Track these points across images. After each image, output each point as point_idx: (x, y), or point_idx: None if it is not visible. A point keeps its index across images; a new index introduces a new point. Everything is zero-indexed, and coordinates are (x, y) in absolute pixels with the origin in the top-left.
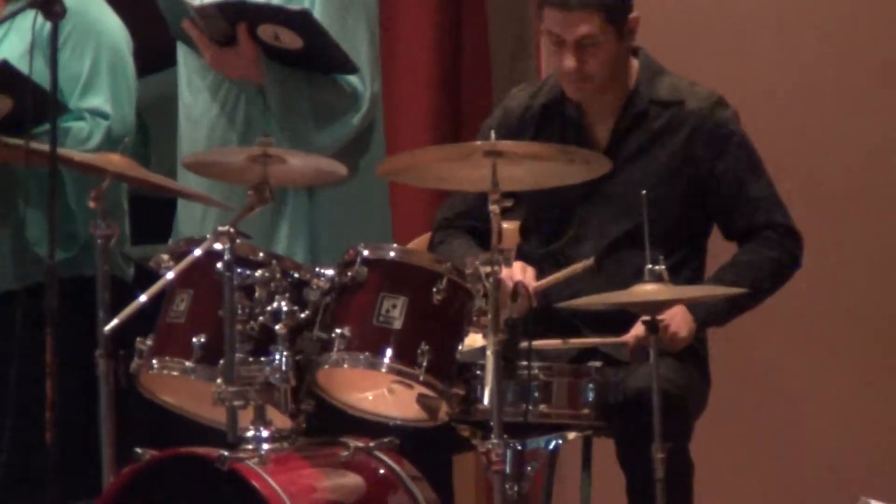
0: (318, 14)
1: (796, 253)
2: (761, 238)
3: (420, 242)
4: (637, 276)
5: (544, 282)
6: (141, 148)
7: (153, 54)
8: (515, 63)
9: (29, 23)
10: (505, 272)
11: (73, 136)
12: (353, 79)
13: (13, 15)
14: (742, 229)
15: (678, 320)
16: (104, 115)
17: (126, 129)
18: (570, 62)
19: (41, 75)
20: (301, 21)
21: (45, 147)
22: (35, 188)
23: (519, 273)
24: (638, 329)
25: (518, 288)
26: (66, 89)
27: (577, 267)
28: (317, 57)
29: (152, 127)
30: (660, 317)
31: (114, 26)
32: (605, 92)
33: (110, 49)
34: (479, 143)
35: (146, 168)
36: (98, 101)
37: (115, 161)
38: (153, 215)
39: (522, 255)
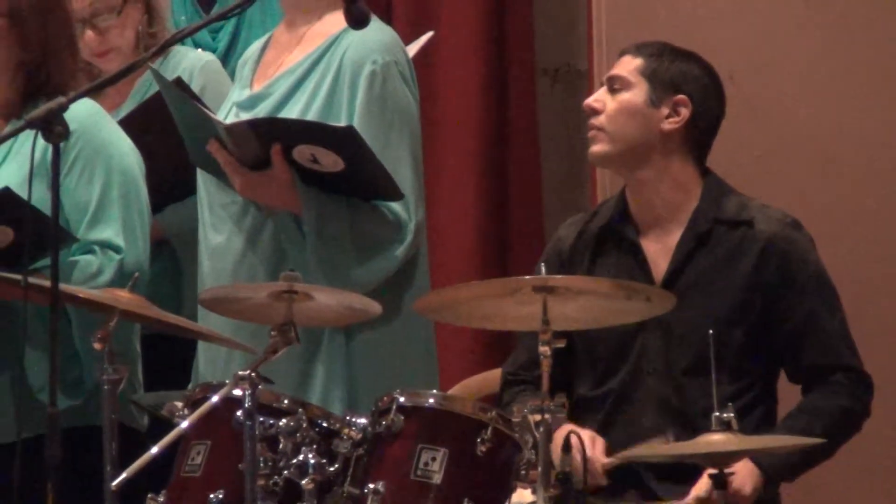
0: (360, 130)
1: (867, 401)
2: (831, 383)
3: (463, 387)
4: (705, 416)
5: (617, 458)
6: (169, 284)
7: (187, 181)
8: (567, 191)
9: (30, 146)
10: (573, 439)
11: (80, 270)
12: (396, 206)
13: (11, 135)
14: (810, 369)
15: (743, 475)
16: (116, 249)
17: (140, 263)
18: (589, 98)
19: (43, 203)
20: (345, 140)
21: (46, 283)
22: (38, 329)
23: (588, 441)
24: (701, 486)
25: (570, 440)
26: (72, 219)
27: (654, 445)
28: (359, 181)
29: (184, 260)
30: (729, 470)
31: (125, 148)
32: (624, 166)
33: (122, 174)
34: (527, 277)
35: (178, 308)
36: (109, 232)
37: (124, 298)
38: (170, 358)
39: (575, 400)
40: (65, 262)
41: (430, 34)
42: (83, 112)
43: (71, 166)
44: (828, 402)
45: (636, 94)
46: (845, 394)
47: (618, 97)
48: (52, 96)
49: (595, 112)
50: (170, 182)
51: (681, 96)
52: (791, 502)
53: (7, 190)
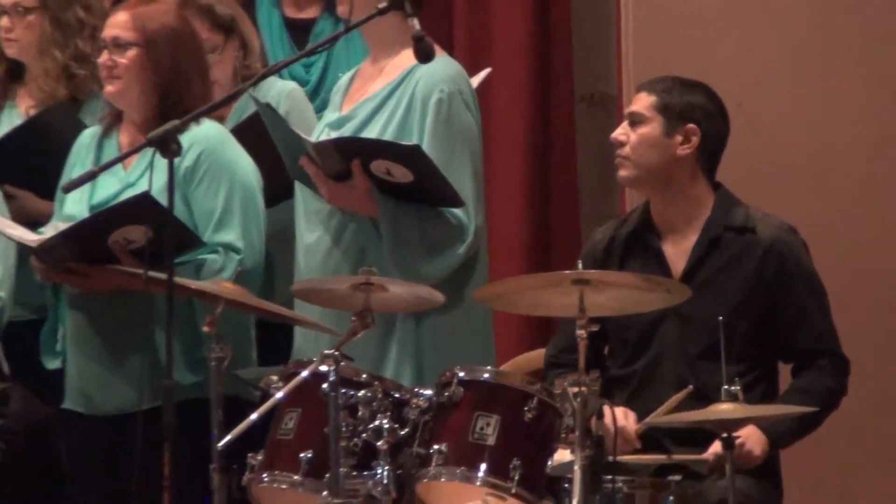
0: (426, 149)
1: (845, 382)
2: (818, 366)
3: (514, 364)
4: (716, 391)
5: (647, 420)
6: (265, 276)
7: (276, 188)
8: (601, 200)
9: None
10: (606, 410)
11: (206, 267)
12: (458, 212)
13: (135, 152)
14: (801, 353)
15: (753, 439)
16: (236, 250)
17: (255, 262)
18: (615, 132)
19: (178, 210)
20: (412, 156)
21: (163, 275)
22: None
23: (620, 415)
24: (717, 446)
25: (603, 408)
26: (200, 224)
27: (678, 397)
28: (426, 190)
29: (275, 257)
30: (735, 434)
31: (246, 166)
32: (647, 186)
33: (242, 187)
34: (567, 272)
35: (271, 296)
36: (231, 236)
37: (228, 289)
38: (279, 340)
39: (606, 377)
40: (194, 260)
41: (488, 70)
42: (211, 134)
43: (200, 180)
44: (816, 382)
45: (653, 128)
46: (829, 375)
47: (637, 130)
48: (183, 116)
49: (620, 143)
50: (264, 190)
51: (690, 125)
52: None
53: (147, 194)
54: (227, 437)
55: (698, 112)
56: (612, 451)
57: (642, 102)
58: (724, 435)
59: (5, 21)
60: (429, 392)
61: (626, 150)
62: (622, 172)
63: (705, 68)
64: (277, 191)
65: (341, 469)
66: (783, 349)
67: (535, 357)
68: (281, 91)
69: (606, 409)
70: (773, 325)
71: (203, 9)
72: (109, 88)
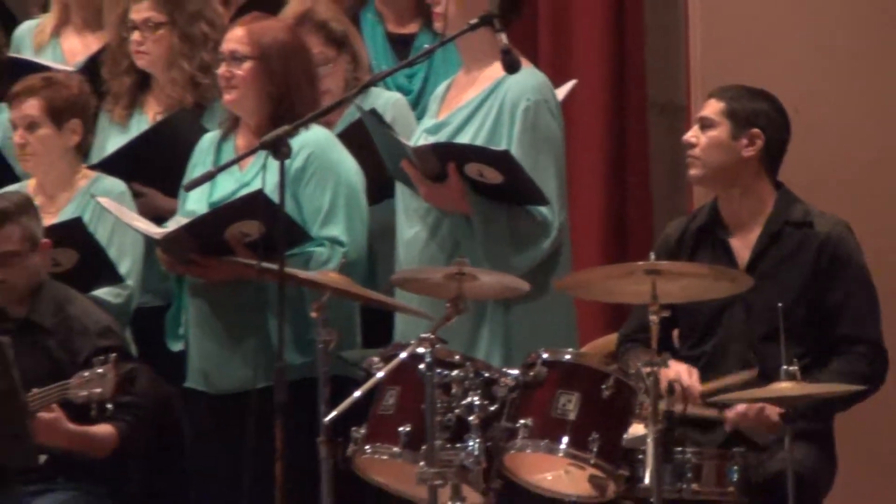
0: (514, 153)
1: (882, 372)
2: (855, 353)
3: (592, 346)
4: (775, 371)
5: (710, 386)
6: (368, 267)
7: (378, 188)
8: (672, 198)
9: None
10: (671, 371)
11: (314, 259)
12: (544, 210)
13: (249, 154)
14: (840, 338)
15: (771, 409)
16: (341, 243)
17: (359, 254)
18: (687, 134)
19: (288, 207)
20: (502, 159)
21: (275, 266)
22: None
23: (685, 374)
24: (739, 407)
25: (673, 385)
26: (309, 220)
27: (744, 375)
28: (514, 190)
29: (378, 250)
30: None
31: (350, 167)
32: (715, 184)
33: (347, 186)
34: (641, 263)
35: (374, 285)
36: (336, 231)
37: (334, 278)
38: (382, 325)
39: (679, 357)
40: (303, 253)
41: (573, 82)
42: (320, 138)
43: (308, 180)
44: (851, 368)
45: (721, 132)
46: (865, 362)
47: (707, 133)
48: (294, 122)
49: (691, 145)
50: (367, 189)
51: (755, 130)
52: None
53: (261, 192)
54: (333, 413)
55: (762, 118)
56: (680, 402)
57: (712, 108)
58: (781, 411)
59: (137, 35)
60: (516, 372)
61: (697, 151)
62: (693, 171)
63: (766, 76)
64: (380, 190)
65: (436, 441)
66: (824, 334)
67: (612, 340)
68: (387, 101)
69: (672, 363)
70: (822, 310)
71: (318, 25)
72: (227, 97)
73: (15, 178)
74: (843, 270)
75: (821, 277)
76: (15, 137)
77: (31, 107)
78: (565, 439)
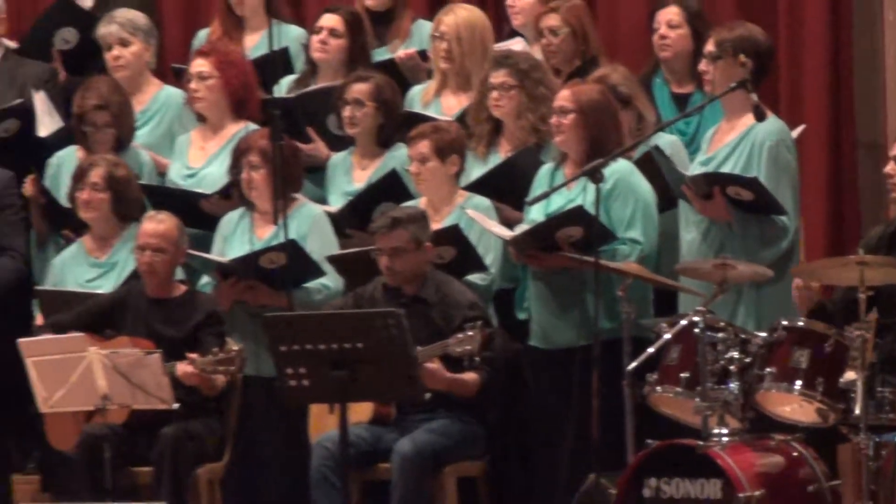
0: (762, 179)
1: None
2: None
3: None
4: None
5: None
6: (657, 260)
7: (665, 202)
8: (873, 211)
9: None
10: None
11: (620, 254)
12: (783, 218)
13: (573, 181)
14: None
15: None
16: (638, 242)
17: (651, 250)
18: (887, 167)
19: (602, 218)
20: (753, 183)
21: (591, 258)
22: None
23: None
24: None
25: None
26: (616, 226)
27: None
28: (762, 205)
29: (663, 247)
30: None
31: (646, 188)
32: None
33: (643, 201)
34: (852, 256)
35: (661, 273)
36: (635, 233)
37: (634, 268)
38: (665, 301)
39: (878, 326)
40: (612, 249)
41: (803, 126)
42: (624, 167)
43: (616, 198)
44: None
45: None
46: None
47: None
48: (605, 157)
49: (890, 176)
50: (657, 204)
51: None
52: None
53: (581, 207)
54: (634, 364)
55: None
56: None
57: None
58: None
59: (495, 94)
60: (763, 334)
61: (895, 180)
62: (894, 195)
63: None
64: (666, 204)
65: (707, 384)
66: None
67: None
68: (667, 141)
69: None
70: None
71: (610, 87)
72: (558, 139)
73: (410, 196)
74: None
75: None
76: (411, 168)
77: (423, 146)
78: (799, 383)
